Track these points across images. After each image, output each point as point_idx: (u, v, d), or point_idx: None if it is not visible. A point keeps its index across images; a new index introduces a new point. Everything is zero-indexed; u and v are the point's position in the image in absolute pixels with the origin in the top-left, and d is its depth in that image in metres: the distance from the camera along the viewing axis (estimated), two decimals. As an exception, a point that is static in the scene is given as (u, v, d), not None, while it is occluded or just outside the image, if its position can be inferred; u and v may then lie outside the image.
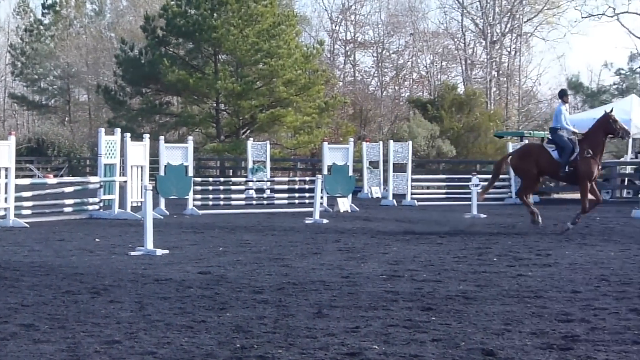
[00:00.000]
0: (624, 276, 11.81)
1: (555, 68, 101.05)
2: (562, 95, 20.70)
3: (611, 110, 19.56)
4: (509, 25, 67.48)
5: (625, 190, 34.03)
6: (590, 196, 19.11)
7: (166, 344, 7.51)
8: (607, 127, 19.21)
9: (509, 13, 66.75)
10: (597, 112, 39.30)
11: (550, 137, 19.89)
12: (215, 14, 48.46)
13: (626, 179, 34.34)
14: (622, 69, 67.44)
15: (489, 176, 33.11)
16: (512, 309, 9.23)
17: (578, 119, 41.41)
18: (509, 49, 69.07)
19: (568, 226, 18.81)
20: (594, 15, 65.44)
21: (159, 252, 14.15)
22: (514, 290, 10.48)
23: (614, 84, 67.12)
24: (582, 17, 66.16)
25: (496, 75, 67.39)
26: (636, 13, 64.65)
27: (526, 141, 35.23)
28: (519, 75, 69.49)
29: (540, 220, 19.10)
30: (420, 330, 8.13)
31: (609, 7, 65.04)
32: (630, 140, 36.50)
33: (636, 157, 33.57)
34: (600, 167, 19.83)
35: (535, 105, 71.15)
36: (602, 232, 19.08)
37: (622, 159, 38.50)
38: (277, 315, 8.82)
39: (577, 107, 64.72)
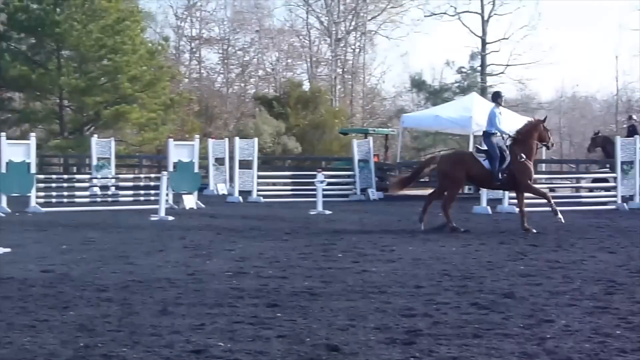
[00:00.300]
0: (465, 271, 12.06)
1: (399, 66, 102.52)
2: (496, 97, 20.13)
3: (544, 119, 19.45)
4: (353, 23, 68.21)
5: (466, 187, 34.71)
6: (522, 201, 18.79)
7: (7, 344, 7.33)
8: (541, 133, 18.89)
9: (354, 11, 67.48)
10: (440, 110, 40.34)
11: (478, 147, 19.57)
12: (58, 9, 47.42)
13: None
14: (464, 68, 68.92)
15: (335, 172, 33.69)
16: (357, 304, 9.32)
17: (422, 116, 42.39)
18: (353, 47, 69.88)
19: (559, 219, 18.62)
20: (436, 14, 66.72)
21: (0, 250, 13.79)
22: (358, 286, 10.58)
23: (456, 82, 68.51)
24: (424, 16, 67.38)
25: (341, 73, 68.06)
26: (477, 12, 66.19)
27: (370, 138, 35.56)
28: (364, 73, 70.40)
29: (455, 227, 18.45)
30: (266, 326, 8.13)
31: (451, 6, 66.41)
32: (472, 137, 37.40)
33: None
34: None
35: (380, 102, 72.17)
36: (444, 228, 19.40)
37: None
38: (122, 314, 8.70)
39: (420, 105, 65.89)
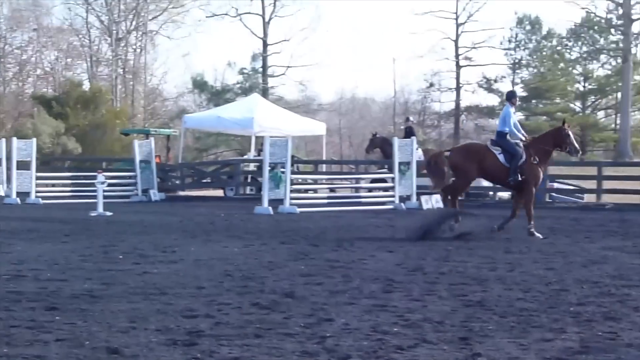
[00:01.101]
0: (246, 271, 12.11)
1: (180, 66, 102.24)
2: (511, 97, 19.28)
3: (566, 124, 18.55)
4: (134, 23, 67.54)
5: (248, 187, 34.95)
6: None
7: None
8: (559, 139, 18.15)
9: (134, 11, 66.79)
10: (222, 111, 40.41)
11: (494, 139, 18.50)
12: None
13: (249, 176, 35.25)
14: (246, 69, 69.45)
15: (116, 173, 33.20)
16: (138, 306, 9.21)
17: (204, 117, 42.35)
18: (134, 47, 69.17)
19: (534, 234, 17.51)
20: (217, 15, 66.91)
21: None
22: (139, 288, 10.46)
23: (238, 83, 69.00)
24: (206, 17, 67.42)
25: (122, 73, 67.24)
26: (258, 14, 66.75)
27: (152, 139, 35.25)
28: (145, 73, 69.77)
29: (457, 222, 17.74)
30: (44, 330, 7.93)
31: (232, 7, 66.74)
32: (253, 138, 37.67)
33: (259, 155, 34.55)
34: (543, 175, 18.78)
35: (162, 103, 71.73)
36: (227, 228, 19.47)
37: (245, 157, 39.59)
38: None
39: (202, 105, 65.90)
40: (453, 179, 18.45)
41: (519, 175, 17.84)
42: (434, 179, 18.92)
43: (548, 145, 18.17)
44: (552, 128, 19.64)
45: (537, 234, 17.41)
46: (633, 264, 13.07)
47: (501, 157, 18.00)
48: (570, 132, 18.15)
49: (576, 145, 18.31)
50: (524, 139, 18.26)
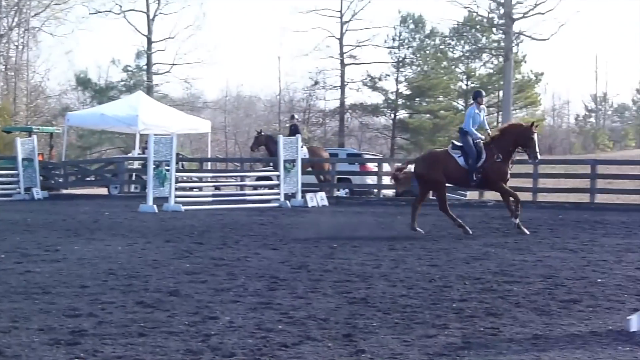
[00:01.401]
0: (131, 270, 12.04)
1: (64, 63, 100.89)
2: (476, 97, 19.14)
3: (535, 126, 18.32)
4: (16, 19, 66.18)
5: (133, 185, 34.64)
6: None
7: None
8: (522, 139, 17.97)
9: (16, 7, 65.49)
10: (106, 108, 39.97)
11: (454, 143, 18.57)
12: None
13: (134, 174, 34.96)
14: (130, 66, 68.80)
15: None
16: (20, 305, 9.09)
17: (87, 115, 41.86)
18: (16, 44, 67.80)
19: (520, 229, 17.75)
20: (101, 12, 66.10)
21: None
22: (21, 287, 10.32)
23: (122, 81, 68.30)
24: (89, 14, 66.57)
25: (4, 70, 65.87)
26: (142, 11, 66.15)
27: (35, 137, 34.68)
28: (27, 70, 68.45)
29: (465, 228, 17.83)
30: None
31: (116, 4, 65.98)
32: (138, 136, 37.33)
33: (143, 153, 34.28)
34: (510, 170, 18.52)
35: (44, 100, 70.48)
36: (111, 227, 19.29)
37: (129, 155, 39.22)
38: None
39: (85, 103, 65.09)
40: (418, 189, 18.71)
41: (475, 175, 18.04)
42: (400, 187, 19.14)
43: (509, 144, 18.02)
44: (513, 124, 19.77)
45: (524, 229, 17.66)
46: (514, 261, 13.36)
47: (461, 160, 18.17)
48: (535, 137, 17.94)
49: (537, 150, 18.08)
50: (483, 137, 18.36)
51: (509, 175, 18.51)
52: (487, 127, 18.90)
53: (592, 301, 9.66)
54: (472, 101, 19.65)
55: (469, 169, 18.11)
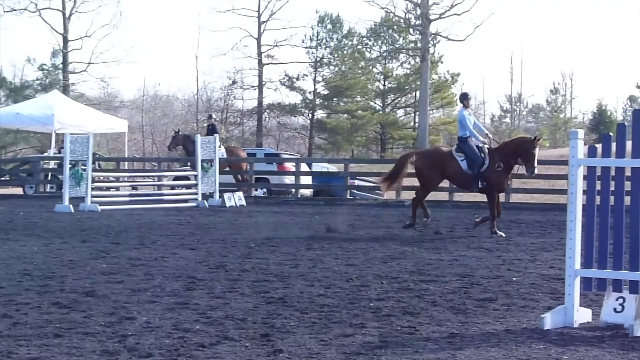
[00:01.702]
0: (46, 270, 11.91)
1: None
2: (463, 99, 19.16)
3: (538, 139, 18.28)
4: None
5: (49, 185, 34.22)
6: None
7: None
8: (523, 151, 17.72)
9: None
10: (21, 107, 39.38)
11: (459, 145, 18.38)
12: None
13: (50, 174, 34.53)
14: (45, 65, 67.94)
15: None
16: None
17: (2, 114, 41.19)
18: None
19: (496, 232, 17.59)
20: (16, 10, 65.13)
21: None
22: None
23: (38, 79, 67.43)
24: (4, 12, 65.53)
25: None
26: (58, 9, 65.34)
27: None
28: (-60, 68, 67.25)
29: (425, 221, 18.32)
30: None
31: (31, 2, 65.06)
32: (54, 135, 36.87)
33: (59, 152, 33.87)
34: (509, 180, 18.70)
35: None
36: (26, 227, 19.05)
37: (45, 154, 38.72)
38: None
39: (0, 102, 64.14)
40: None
41: (480, 183, 18.01)
42: (388, 179, 19.13)
43: (510, 155, 17.94)
44: (518, 138, 19.72)
45: (500, 232, 17.59)
46: (431, 260, 13.50)
47: (463, 164, 18.12)
48: (535, 151, 17.76)
49: (535, 165, 17.80)
50: (486, 140, 18.39)
51: (505, 187, 19.00)
52: (483, 128, 19.01)
53: (507, 300, 9.82)
54: (459, 104, 19.74)
55: (472, 176, 18.10)
